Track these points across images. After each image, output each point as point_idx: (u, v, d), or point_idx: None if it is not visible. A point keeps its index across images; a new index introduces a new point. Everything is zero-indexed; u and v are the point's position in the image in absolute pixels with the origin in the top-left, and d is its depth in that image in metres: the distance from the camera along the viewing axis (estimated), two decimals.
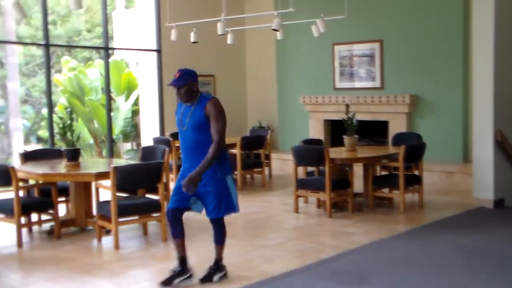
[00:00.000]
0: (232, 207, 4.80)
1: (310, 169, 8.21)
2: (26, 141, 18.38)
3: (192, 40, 9.80)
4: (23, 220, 6.32)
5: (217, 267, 4.96)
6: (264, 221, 7.28)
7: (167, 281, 4.79)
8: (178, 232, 4.81)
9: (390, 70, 10.67)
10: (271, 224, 7.18)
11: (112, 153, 11.81)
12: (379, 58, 10.75)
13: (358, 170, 8.23)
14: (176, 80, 4.68)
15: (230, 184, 4.76)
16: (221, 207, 4.72)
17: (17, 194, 6.04)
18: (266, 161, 10.15)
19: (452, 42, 9.87)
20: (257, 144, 9.73)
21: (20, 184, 6.26)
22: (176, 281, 4.80)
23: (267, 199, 8.73)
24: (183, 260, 4.86)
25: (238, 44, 11.85)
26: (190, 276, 4.86)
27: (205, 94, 4.79)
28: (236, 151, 9.32)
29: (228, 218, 7.29)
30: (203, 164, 4.54)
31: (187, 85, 4.67)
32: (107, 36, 11.38)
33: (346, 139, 7.85)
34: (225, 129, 4.67)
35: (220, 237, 4.92)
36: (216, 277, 4.92)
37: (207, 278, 4.90)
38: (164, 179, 6.37)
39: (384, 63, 10.72)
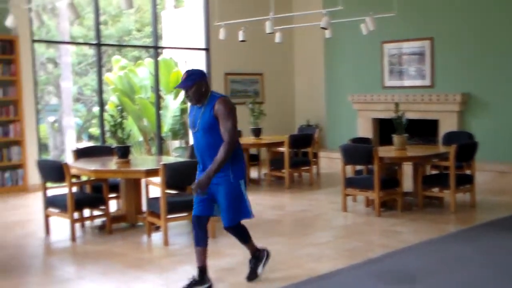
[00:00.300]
0: (246, 213, 4.64)
1: (358, 167, 8.15)
2: (78, 138, 18.81)
3: (240, 38, 9.84)
4: (76, 215, 6.46)
5: (256, 258, 4.93)
6: (312, 220, 7.26)
7: None
8: (200, 241, 4.65)
9: (441, 68, 10.50)
10: (319, 223, 7.16)
11: (161, 150, 11.99)
12: (430, 56, 10.58)
13: (407, 169, 8.12)
14: (183, 82, 4.47)
15: (243, 189, 4.59)
16: (234, 213, 4.58)
17: (70, 190, 6.19)
18: (314, 159, 10.12)
19: (508, 39, 9.63)
20: (305, 142, 9.71)
21: (73, 180, 6.41)
22: None
23: (315, 197, 8.70)
24: (202, 270, 4.67)
25: (286, 43, 11.85)
26: (209, 287, 4.67)
27: (215, 93, 4.58)
28: (284, 149, 9.32)
29: (276, 216, 7.36)
30: (212, 166, 4.39)
31: (195, 86, 4.45)
32: (156, 36, 11.55)
33: (395, 137, 7.76)
34: (235, 128, 4.46)
35: (242, 238, 4.85)
36: (259, 269, 4.90)
37: (252, 275, 4.87)
38: None
39: (434, 61, 10.55)
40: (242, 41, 9.89)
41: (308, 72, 12.91)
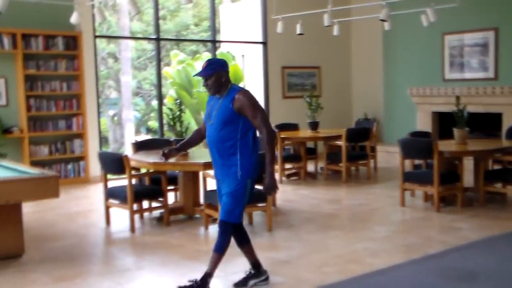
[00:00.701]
0: (235, 217, 4.35)
1: (417, 162, 8.00)
2: (137, 131, 19.17)
3: (298, 32, 9.81)
4: (135, 206, 6.60)
5: (256, 271, 4.65)
6: (369, 214, 7.18)
7: (242, 282, 4.62)
8: (240, 240, 4.60)
9: (505, 60, 10.17)
10: (376, 217, 7.07)
11: None
12: (494, 47, 10.27)
13: (468, 164, 7.92)
14: (203, 70, 4.29)
15: (247, 191, 4.32)
16: (234, 210, 4.32)
17: (130, 182, 6.32)
18: (372, 153, 10.01)
19: None
20: (362, 136, 9.60)
21: (133, 172, 6.54)
22: (251, 282, 4.60)
23: (372, 191, 8.60)
24: (255, 265, 4.65)
25: (343, 36, 11.74)
26: (266, 279, 4.64)
27: (236, 86, 4.37)
28: (341, 143, 9.25)
29: (333, 210, 7.31)
30: (268, 163, 4.26)
31: (214, 75, 4.27)
32: (214, 30, 11.63)
33: (456, 131, 7.58)
34: (267, 118, 4.31)
35: (220, 244, 4.43)
36: (252, 282, 4.60)
37: (242, 282, 4.62)
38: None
39: (499, 53, 10.23)
40: (299, 34, 9.85)
41: (366, 65, 12.75)
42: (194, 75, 4.63)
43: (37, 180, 5.14)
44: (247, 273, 4.63)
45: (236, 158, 4.28)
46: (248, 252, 4.63)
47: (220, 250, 4.42)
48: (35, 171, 5.52)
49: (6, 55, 8.97)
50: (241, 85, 14.21)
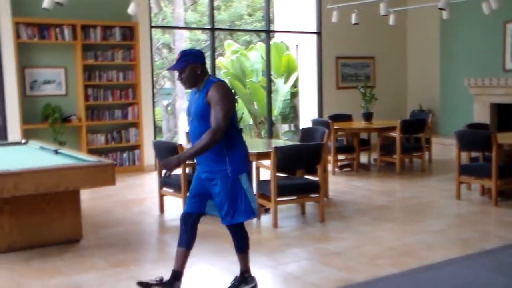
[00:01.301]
0: (249, 212, 4.06)
1: (474, 154, 7.82)
2: None
3: (353, 21, 9.70)
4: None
5: (243, 278, 4.30)
6: (423, 207, 7.07)
7: (145, 284, 4.22)
8: (183, 241, 4.20)
9: None
10: (431, 210, 6.95)
11: (271, 134, 12.10)
12: None
13: None
14: (176, 63, 3.99)
15: (245, 185, 4.02)
16: (235, 212, 4.03)
17: (184, 170, 6.40)
18: (427, 145, 9.83)
19: None
20: (417, 127, 9.44)
21: (186, 161, 6.60)
22: None
23: (426, 184, 8.46)
24: (175, 275, 4.21)
25: (399, 25, 11.57)
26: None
27: (213, 78, 4.03)
28: (395, 134, 9.12)
29: (386, 202, 7.23)
30: (190, 150, 3.90)
31: (188, 68, 3.96)
32: (268, 20, 11.62)
33: None
34: (228, 117, 3.88)
35: (240, 244, 4.22)
36: None
37: None
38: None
39: None
40: (354, 24, 9.74)
41: (422, 55, 12.51)
42: (167, 69, 4.55)
43: (94, 168, 5.26)
44: (158, 279, 4.23)
45: (223, 154, 3.99)
46: (180, 257, 4.25)
47: (242, 250, 4.24)
48: (92, 159, 5.65)
49: (66, 46, 9.20)
50: (294, 75, 14.17)
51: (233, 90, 7.42)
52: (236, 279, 4.32)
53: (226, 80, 15.29)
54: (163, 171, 4.01)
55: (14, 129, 8.70)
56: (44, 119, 8.98)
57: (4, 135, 8.71)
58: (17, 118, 8.72)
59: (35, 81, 9.01)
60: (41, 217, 5.42)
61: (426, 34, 12.35)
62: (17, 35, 8.69)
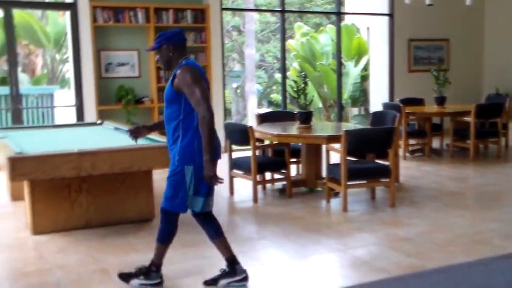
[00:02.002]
0: (177, 206, 3.92)
1: None
2: (259, 104, 19.44)
3: (427, 2, 9.43)
4: (258, 177, 6.72)
5: (147, 272, 4.07)
6: (497, 194, 6.85)
7: (212, 281, 4.11)
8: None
9: None
10: (506, 198, 6.74)
11: (341, 117, 12.00)
12: None
13: None
14: (153, 45, 3.94)
15: (187, 178, 3.83)
16: (169, 199, 3.92)
17: (254, 153, 6.44)
18: (503, 130, 9.50)
19: None
20: (493, 112, 9.13)
21: (257, 143, 6.65)
22: (223, 282, 4.07)
23: (502, 171, 8.20)
24: (155, 266, 4.10)
25: (476, 6, 11.17)
26: (244, 279, 4.08)
27: (185, 61, 3.86)
28: (469, 119, 8.86)
29: (458, 188, 7.05)
30: (204, 151, 3.75)
31: (160, 49, 3.88)
32: (339, 1, 11.47)
33: None
34: (205, 95, 3.72)
35: (160, 232, 4.05)
36: (224, 281, 4.06)
37: (212, 281, 4.11)
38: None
39: None
40: (429, 5, 9.47)
41: (500, 37, 12.05)
42: (147, 50, 4.45)
43: (167, 149, 5.37)
44: (221, 270, 4.13)
45: (175, 139, 3.88)
46: (220, 247, 4.13)
47: (161, 239, 4.04)
48: (165, 140, 5.76)
49: (139, 28, 9.39)
50: (365, 58, 13.96)
51: (303, 73, 7.38)
52: (222, 269, 4.13)
53: (296, 63, 15.23)
54: (216, 184, 3.85)
55: (90, 110, 8.99)
56: (118, 101, 9.23)
57: (81, 116, 9.01)
58: (93, 100, 8.99)
59: (110, 63, 9.25)
60: (115, 196, 5.60)
61: (505, 16, 11.88)
62: (94, 19, 8.94)
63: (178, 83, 3.78)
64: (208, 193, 3.96)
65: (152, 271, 4.06)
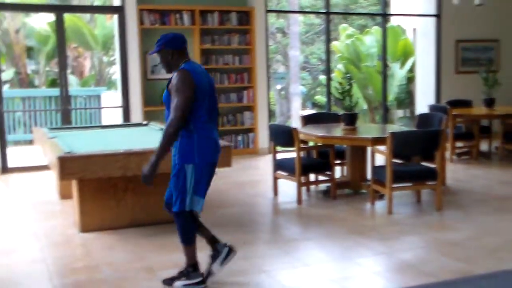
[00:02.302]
0: (179, 205, 3.94)
1: None
2: (303, 105, 19.39)
3: (476, 2, 9.25)
4: (302, 179, 6.70)
5: (186, 272, 4.08)
6: None
7: (168, 280, 4.14)
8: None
9: None
10: None
11: (386, 119, 11.87)
12: None
13: None
14: (155, 48, 4.07)
15: (188, 177, 3.89)
16: (177, 200, 3.94)
17: (298, 154, 6.42)
18: None
19: None
20: None
21: (301, 145, 6.64)
22: (178, 284, 4.08)
23: None
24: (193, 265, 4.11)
25: None
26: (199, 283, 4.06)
27: (184, 65, 3.95)
28: None
29: (508, 193, 6.89)
30: (155, 152, 3.87)
31: (160, 53, 4.00)
32: (384, 3, 11.37)
33: None
34: (184, 106, 3.78)
35: (179, 234, 4.06)
36: (178, 284, 4.05)
37: (168, 281, 4.12)
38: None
39: None
40: (478, 5, 9.28)
41: None
42: (149, 54, 4.47)
43: None
44: (180, 271, 4.14)
45: (178, 141, 3.93)
46: (188, 253, 4.12)
47: (184, 241, 4.06)
48: None
49: (185, 30, 9.47)
50: (411, 60, 13.78)
51: (348, 75, 7.32)
52: (180, 269, 4.14)
53: (341, 65, 15.15)
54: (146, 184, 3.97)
55: (136, 111, 9.12)
56: (163, 102, 9.32)
57: (127, 117, 9.16)
58: (139, 101, 9.13)
59: (156, 65, 9.36)
60: (159, 196, 5.63)
61: None
62: (141, 22, 9.07)
63: (171, 86, 3.90)
64: (205, 194, 4.03)
65: (190, 272, 4.08)
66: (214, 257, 4.15)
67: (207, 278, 4.11)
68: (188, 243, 4.06)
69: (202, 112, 3.92)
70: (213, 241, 4.19)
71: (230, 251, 4.14)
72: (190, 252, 4.09)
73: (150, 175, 3.90)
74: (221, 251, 4.13)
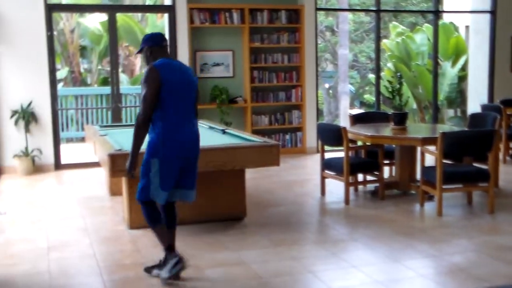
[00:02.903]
0: (143, 195, 4.13)
1: None
2: (351, 104, 19.22)
3: None
4: (350, 179, 6.64)
5: (164, 259, 4.25)
6: None
7: (148, 268, 4.37)
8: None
9: None
10: None
11: (436, 119, 11.66)
12: None
13: None
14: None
15: (153, 170, 4.04)
16: (141, 189, 4.14)
17: (347, 154, 6.36)
18: None
19: None
20: None
21: (350, 144, 6.58)
22: (155, 272, 4.29)
23: None
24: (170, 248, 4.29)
25: None
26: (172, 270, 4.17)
27: (158, 61, 4.12)
28: None
29: None
30: (131, 150, 4.11)
31: (143, 51, 4.22)
32: (437, 0, 11.15)
33: None
34: (146, 102, 3.97)
35: (147, 219, 4.26)
36: (155, 272, 4.26)
37: (148, 269, 4.34)
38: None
39: None
40: None
41: None
42: (135, 53, 4.73)
43: (260, 148, 5.43)
44: (159, 260, 4.31)
45: (148, 135, 4.13)
46: (157, 236, 4.30)
47: (150, 225, 4.27)
48: (259, 139, 5.81)
49: (234, 29, 9.52)
50: (462, 58, 13.49)
51: (398, 73, 7.21)
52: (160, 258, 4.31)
53: (390, 64, 14.94)
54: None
55: None
56: (212, 100, 9.40)
57: None
58: None
59: (205, 64, 9.43)
60: (208, 194, 5.70)
61: None
62: (191, 20, 9.15)
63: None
64: (171, 188, 4.14)
65: (167, 256, 4.21)
66: (160, 265, 4.26)
67: (147, 271, 4.30)
68: (154, 225, 4.24)
69: (170, 107, 4.05)
70: (169, 249, 4.26)
71: (179, 262, 4.16)
72: (159, 234, 4.26)
73: (129, 168, 4.14)
74: (169, 261, 4.18)
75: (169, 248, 4.24)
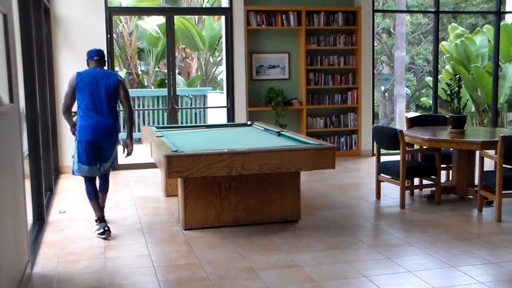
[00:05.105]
0: (79, 169, 5.46)
1: None
2: (406, 107, 18.93)
3: None
4: (406, 182, 6.55)
5: (96, 223, 5.65)
6: None
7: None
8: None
9: None
10: None
11: (495, 122, 11.36)
12: None
13: None
14: None
15: (76, 150, 5.45)
16: (72, 165, 5.54)
17: (403, 157, 6.28)
18: None
19: None
20: None
21: (406, 148, 6.48)
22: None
23: None
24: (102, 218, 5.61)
25: None
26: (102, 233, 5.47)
27: (81, 71, 5.55)
28: None
29: None
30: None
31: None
32: (499, 0, 10.88)
33: None
34: (64, 97, 5.55)
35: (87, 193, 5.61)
36: (97, 233, 5.52)
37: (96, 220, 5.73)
38: None
39: None
40: None
41: None
42: None
43: (316, 151, 5.41)
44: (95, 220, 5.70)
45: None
46: (93, 207, 5.61)
47: (87, 197, 5.61)
48: (314, 142, 5.80)
49: (291, 31, 9.53)
50: None
51: (457, 76, 7.07)
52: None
53: (448, 66, 14.64)
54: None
55: (241, 111, 9.26)
56: (267, 102, 9.43)
57: (232, 117, 9.32)
58: (243, 101, 9.27)
59: (261, 66, 9.48)
60: (263, 196, 5.73)
61: None
62: (248, 23, 9.21)
63: None
64: (87, 163, 5.47)
65: (96, 224, 5.61)
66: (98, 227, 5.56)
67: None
68: (89, 199, 5.58)
69: (82, 103, 5.43)
70: (100, 217, 5.56)
71: (103, 233, 5.42)
72: (92, 207, 5.59)
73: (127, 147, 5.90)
74: (98, 226, 5.53)
75: (99, 219, 5.55)
